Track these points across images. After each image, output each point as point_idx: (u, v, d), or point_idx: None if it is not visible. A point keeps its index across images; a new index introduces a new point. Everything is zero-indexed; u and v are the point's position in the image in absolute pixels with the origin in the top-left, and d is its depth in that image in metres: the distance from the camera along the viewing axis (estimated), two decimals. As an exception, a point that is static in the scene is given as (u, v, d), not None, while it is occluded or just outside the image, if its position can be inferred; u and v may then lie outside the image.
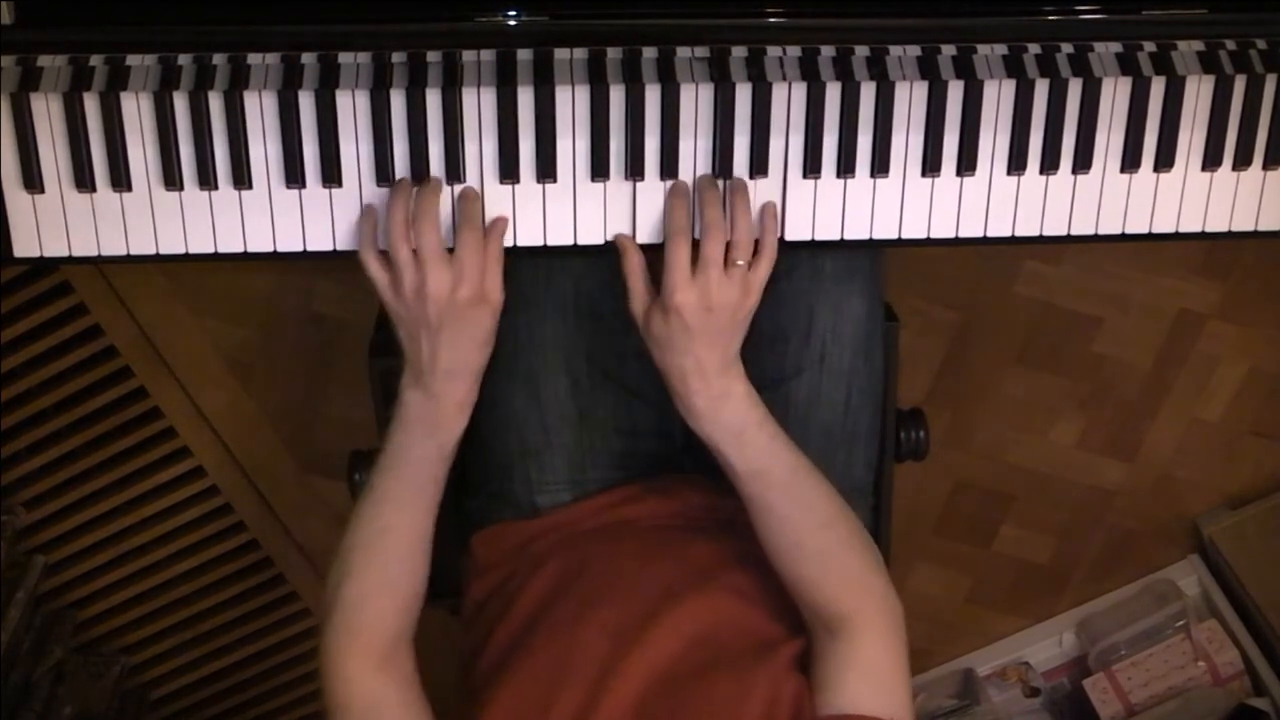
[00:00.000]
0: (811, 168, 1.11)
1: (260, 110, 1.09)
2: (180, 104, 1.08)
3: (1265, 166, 1.15)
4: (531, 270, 1.25)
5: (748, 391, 1.10)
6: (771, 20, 1.02)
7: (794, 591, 1.11)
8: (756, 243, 1.10)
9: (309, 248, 1.13)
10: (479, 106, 1.09)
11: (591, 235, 1.13)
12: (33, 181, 1.09)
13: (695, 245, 1.09)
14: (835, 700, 1.04)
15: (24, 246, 1.11)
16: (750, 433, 1.10)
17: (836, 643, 1.07)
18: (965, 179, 1.14)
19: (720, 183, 1.11)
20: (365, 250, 1.10)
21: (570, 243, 1.13)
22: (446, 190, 1.11)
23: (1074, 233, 1.17)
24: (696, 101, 1.11)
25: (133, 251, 1.12)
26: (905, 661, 1.09)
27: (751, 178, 1.12)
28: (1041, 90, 1.12)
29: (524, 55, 1.09)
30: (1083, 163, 1.14)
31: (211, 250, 1.12)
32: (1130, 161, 1.14)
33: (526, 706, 1.06)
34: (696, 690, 1.06)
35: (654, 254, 1.16)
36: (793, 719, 1.04)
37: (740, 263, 1.08)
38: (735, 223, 1.09)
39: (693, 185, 1.11)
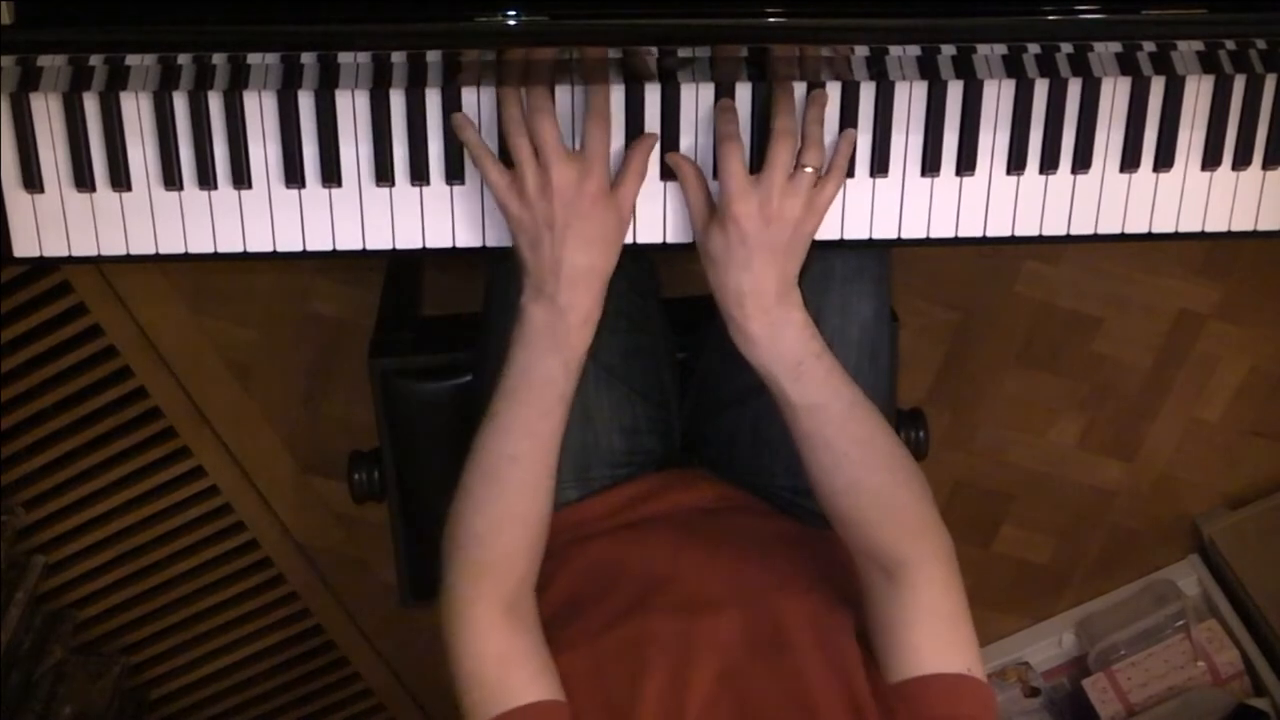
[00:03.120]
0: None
1: (260, 110, 1.09)
2: (180, 104, 1.08)
3: (1265, 166, 1.15)
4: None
5: (806, 321, 1.06)
6: (771, 20, 1.02)
7: (851, 536, 1.07)
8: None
9: (309, 248, 1.13)
10: (479, 106, 1.09)
11: (591, 235, 1.13)
12: (33, 181, 1.09)
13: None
14: (908, 660, 1.01)
15: (24, 246, 1.11)
16: (808, 364, 1.06)
17: (899, 593, 1.03)
18: (965, 179, 1.14)
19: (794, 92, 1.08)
20: (481, 153, 1.06)
21: (570, 243, 1.13)
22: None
23: (1074, 233, 1.16)
24: (697, 101, 1.11)
25: (133, 251, 1.12)
26: (965, 601, 1.05)
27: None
28: (1041, 90, 1.12)
29: (523, 55, 1.08)
30: (1082, 162, 1.14)
31: (211, 250, 1.12)
32: (1130, 161, 1.14)
33: (610, 693, 1.03)
34: (777, 660, 1.04)
35: (657, 253, 1.16)
36: (871, 689, 1.01)
37: (809, 170, 1.05)
38: (807, 131, 1.07)
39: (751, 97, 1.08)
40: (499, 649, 1.02)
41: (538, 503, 1.07)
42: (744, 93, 1.10)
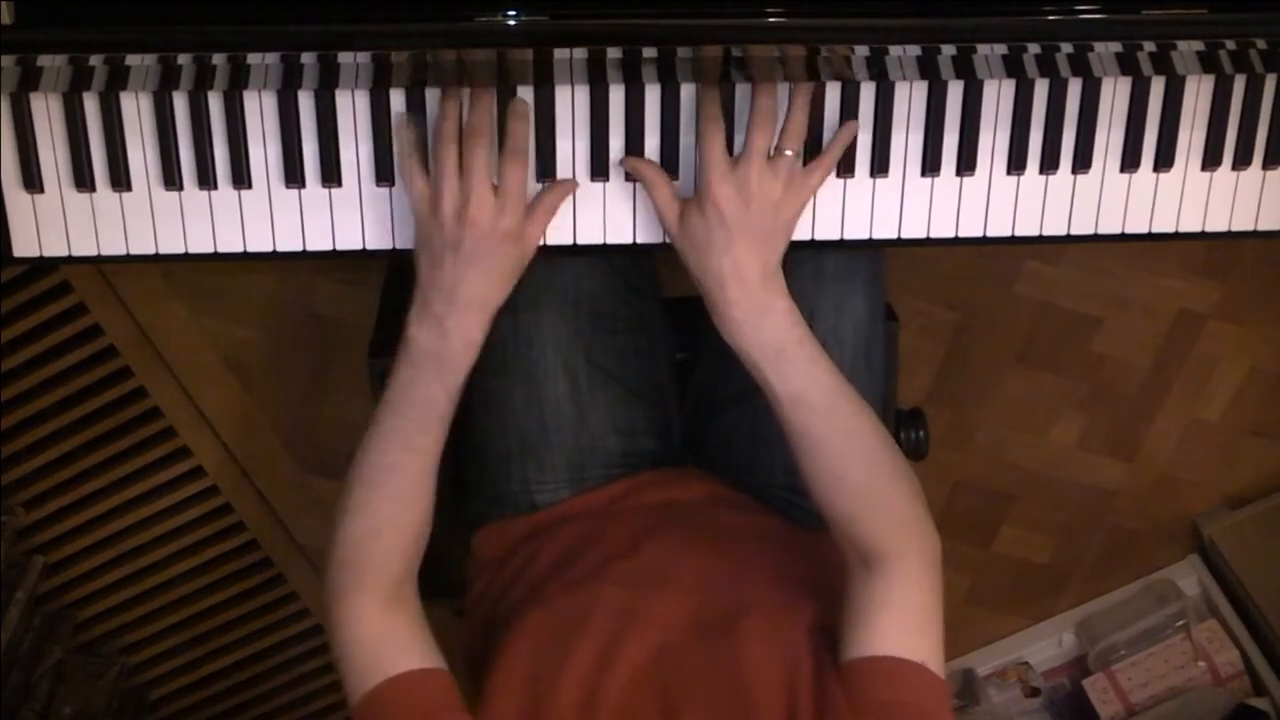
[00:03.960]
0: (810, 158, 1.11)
1: (260, 110, 1.09)
2: (180, 104, 1.08)
3: (1265, 166, 1.15)
4: (530, 269, 1.25)
5: (790, 308, 1.07)
6: (771, 20, 1.02)
7: (833, 525, 1.08)
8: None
9: (309, 248, 1.13)
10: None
11: (591, 235, 1.13)
12: (33, 181, 1.09)
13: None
14: (866, 639, 1.00)
15: (24, 246, 1.11)
16: (790, 351, 1.06)
17: (873, 579, 1.03)
18: (965, 179, 1.14)
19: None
20: (408, 161, 1.07)
21: (570, 242, 1.13)
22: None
23: (1074, 233, 1.16)
24: (696, 101, 1.10)
25: (133, 251, 1.12)
26: (940, 602, 1.05)
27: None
28: (1041, 90, 1.12)
29: (524, 55, 1.09)
30: (1082, 162, 1.14)
31: (211, 250, 1.12)
32: (1130, 161, 1.14)
33: (543, 655, 1.04)
34: (717, 645, 1.04)
35: (659, 253, 1.16)
36: (814, 678, 1.01)
37: (788, 153, 1.05)
38: (790, 115, 1.07)
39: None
40: (373, 631, 1.04)
41: (415, 510, 1.09)
42: (744, 93, 1.10)
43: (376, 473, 1.08)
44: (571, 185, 1.10)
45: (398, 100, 1.09)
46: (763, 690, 1.00)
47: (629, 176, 1.12)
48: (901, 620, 1.02)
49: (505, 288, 1.08)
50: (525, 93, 1.09)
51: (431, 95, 1.09)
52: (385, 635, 1.04)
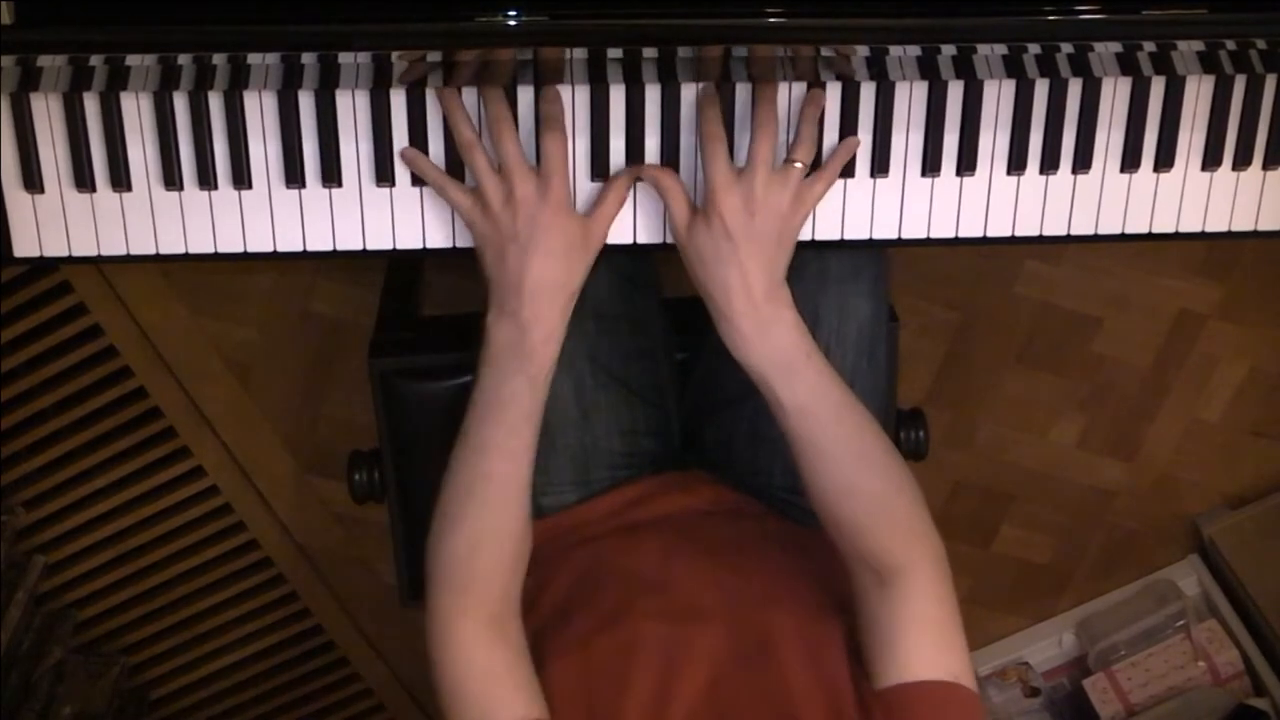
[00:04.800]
0: (811, 167, 1.11)
1: (260, 110, 1.09)
2: (180, 104, 1.08)
3: (1265, 166, 1.15)
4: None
5: (796, 321, 1.06)
6: (771, 20, 1.02)
7: (842, 539, 1.07)
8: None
9: (309, 248, 1.13)
10: (479, 106, 1.09)
11: (591, 235, 1.13)
12: (33, 181, 1.09)
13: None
14: (897, 667, 1.00)
15: (24, 246, 1.11)
16: (799, 364, 1.06)
17: (890, 596, 1.03)
18: (965, 179, 1.14)
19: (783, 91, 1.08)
20: (441, 181, 1.08)
21: (570, 243, 1.13)
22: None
23: (1074, 233, 1.17)
24: (696, 109, 1.10)
25: (133, 251, 1.12)
26: (956, 609, 1.04)
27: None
28: (1041, 90, 1.12)
29: (524, 55, 1.09)
30: (1082, 163, 1.14)
31: (211, 250, 1.12)
32: (1130, 161, 1.14)
33: (596, 695, 1.03)
34: (763, 674, 1.04)
35: (660, 253, 1.16)
36: (856, 706, 1.01)
37: (798, 165, 1.05)
38: (800, 128, 1.07)
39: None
40: (482, 663, 1.03)
41: (514, 518, 1.08)
42: (744, 93, 1.10)
43: (469, 484, 1.06)
44: (639, 169, 1.09)
45: (398, 100, 1.09)
46: (810, 712, 1.01)
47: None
48: (925, 640, 1.02)
49: (575, 268, 1.06)
50: (525, 93, 1.09)
51: (431, 95, 1.09)
52: (493, 671, 1.03)
